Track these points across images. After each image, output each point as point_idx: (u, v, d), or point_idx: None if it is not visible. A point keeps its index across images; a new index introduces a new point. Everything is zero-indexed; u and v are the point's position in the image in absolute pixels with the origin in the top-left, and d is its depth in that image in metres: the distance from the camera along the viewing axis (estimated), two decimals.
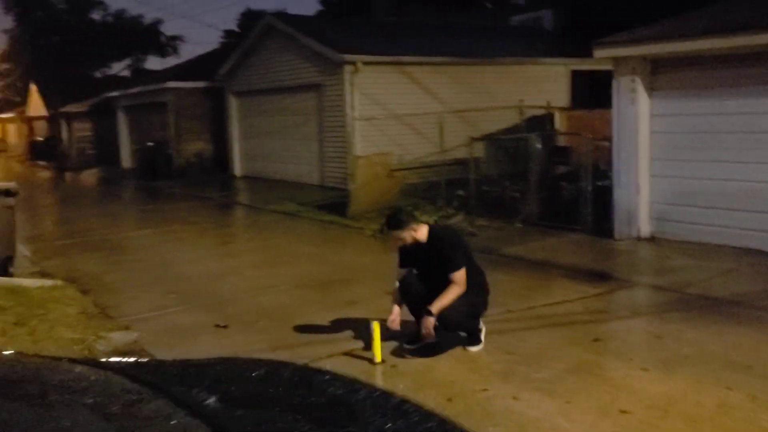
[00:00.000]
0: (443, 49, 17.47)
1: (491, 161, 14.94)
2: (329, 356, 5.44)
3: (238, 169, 21.30)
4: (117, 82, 35.42)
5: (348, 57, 15.43)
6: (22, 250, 10.66)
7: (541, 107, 14.64)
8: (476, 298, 5.46)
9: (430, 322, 5.20)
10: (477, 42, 19.12)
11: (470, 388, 4.77)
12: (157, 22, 49.97)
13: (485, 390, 4.71)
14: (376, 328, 5.25)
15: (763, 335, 5.64)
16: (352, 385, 1.68)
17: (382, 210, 12.13)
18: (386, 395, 1.64)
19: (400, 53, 16.37)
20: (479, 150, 14.70)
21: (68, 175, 28.02)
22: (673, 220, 9.28)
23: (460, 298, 5.29)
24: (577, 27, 24.21)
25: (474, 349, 5.46)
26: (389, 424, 1.43)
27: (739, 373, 4.83)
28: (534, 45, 20.23)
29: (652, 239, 9.40)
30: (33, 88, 43.44)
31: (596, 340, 5.64)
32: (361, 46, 16.21)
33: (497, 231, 10.89)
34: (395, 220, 5.45)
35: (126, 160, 27.83)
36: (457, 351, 5.44)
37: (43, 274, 8.87)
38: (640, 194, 9.39)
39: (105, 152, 30.98)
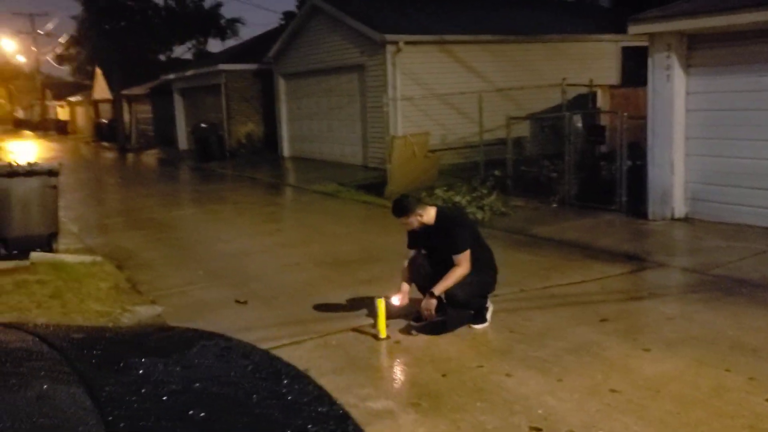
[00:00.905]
0: (489, 26, 17.29)
1: (535, 141, 14.76)
2: (338, 332, 5.60)
3: (286, 150, 21.65)
4: (177, 64, 36.30)
5: (390, 37, 15.45)
6: (72, 227, 11.22)
7: (582, 85, 14.34)
8: (483, 277, 5.51)
9: (432, 303, 5.29)
10: (525, 18, 18.83)
11: (467, 364, 4.84)
12: (218, 5, 50.87)
13: (481, 366, 4.78)
14: (380, 306, 5.37)
15: None
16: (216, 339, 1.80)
17: (419, 190, 12.21)
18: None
19: (444, 32, 16.29)
20: (524, 130, 14.56)
21: (127, 156, 29.02)
22: (708, 200, 9.06)
23: (468, 277, 5.35)
24: (635, 1, 23.56)
25: (479, 326, 5.52)
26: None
27: (745, 355, 4.76)
28: (585, 21, 19.79)
29: (686, 220, 9.20)
30: (98, 71, 44.94)
31: (604, 320, 5.61)
32: (403, 26, 16.21)
33: (531, 211, 10.83)
34: (400, 206, 5.51)
35: (182, 141, 28.58)
36: (463, 329, 5.50)
37: (87, 251, 9.30)
38: (675, 174, 9.19)
39: (163, 133, 31.91)
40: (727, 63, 8.65)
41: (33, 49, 60.62)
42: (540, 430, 3.85)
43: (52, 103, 67.69)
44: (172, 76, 28.08)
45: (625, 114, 10.15)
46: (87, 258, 8.65)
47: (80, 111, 57.25)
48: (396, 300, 5.52)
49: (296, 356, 5.11)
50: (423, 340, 5.36)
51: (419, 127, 15.07)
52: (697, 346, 4.97)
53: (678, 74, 9.00)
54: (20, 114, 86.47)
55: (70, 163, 26.41)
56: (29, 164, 8.47)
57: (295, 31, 19.72)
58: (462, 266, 5.29)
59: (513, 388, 4.39)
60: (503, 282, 6.69)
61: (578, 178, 11.34)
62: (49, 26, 59.73)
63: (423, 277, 5.55)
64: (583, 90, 14.98)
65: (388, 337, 5.39)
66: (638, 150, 10.70)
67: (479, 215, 10.44)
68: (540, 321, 5.64)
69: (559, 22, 18.99)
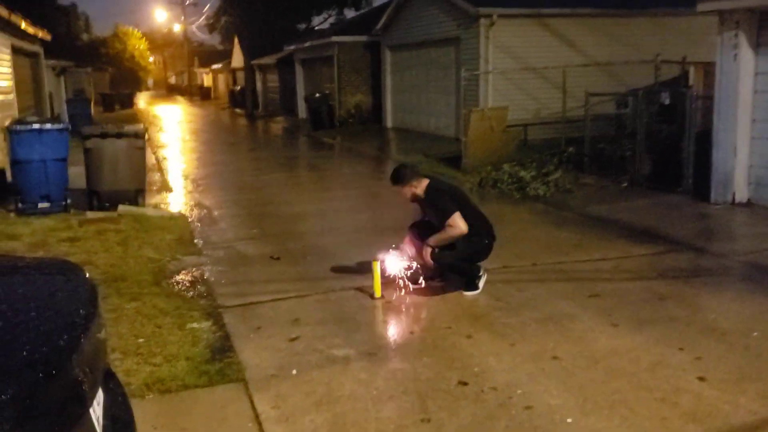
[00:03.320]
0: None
1: (631, 118, 14.37)
2: (341, 290, 6.13)
3: (390, 120, 22.25)
4: (305, 35, 37.72)
5: (483, 10, 15.54)
6: (173, 183, 12.49)
7: (674, 62, 13.76)
8: (474, 245, 5.82)
9: (426, 251, 5.68)
10: None
11: (438, 324, 5.23)
12: None
13: (449, 328, 5.15)
14: (375, 267, 5.84)
15: None
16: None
17: (495, 164, 12.39)
18: None
19: (539, 5, 16.11)
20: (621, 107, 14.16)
21: (250, 122, 30.81)
22: None
23: (459, 244, 5.70)
24: None
25: (468, 293, 5.85)
26: None
27: (708, 337, 4.81)
28: None
29: (747, 204, 8.90)
30: (236, 41, 47.50)
31: (594, 296, 5.76)
32: None
33: (598, 189, 10.78)
34: (395, 175, 5.90)
35: (301, 110, 29.90)
36: (453, 294, 5.87)
37: (173, 206, 10.40)
38: (738, 157, 8.88)
39: (287, 102, 33.52)
40: None
41: (182, 18, 64.74)
42: (466, 384, 4.20)
43: (199, 71, 72.20)
44: (293, 47, 29.35)
45: (695, 93, 9.81)
46: (166, 213, 9.71)
47: (221, 78, 60.77)
48: (394, 256, 5.93)
49: (295, 307, 5.71)
50: (412, 301, 5.78)
51: (511, 101, 15.11)
52: (669, 325, 5.05)
53: (746, 53, 8.64)
54: (173, 80, 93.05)
55: (199, 128, 28.52)
56: (118, 127, 9.58)
57: (399, 3, 20.14)
58: (455, 227, 5.58)
59: (465, 348, 4.75)
60: (520, 255, 7.02)
61: (653, 158, 11.09)
62: None
63: (424, 236, 5.91)
64: (683, 66, 14.34)
65: (382, 296, 5.85)
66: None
67: (541, 191, 10.54)
68: (530, 292, 5.89)
69: None
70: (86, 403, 1.86)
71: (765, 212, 8.47)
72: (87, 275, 2.27)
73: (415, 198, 5.89)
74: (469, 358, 4.58)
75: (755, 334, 4.86)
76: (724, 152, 8.97)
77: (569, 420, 3.73)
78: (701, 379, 4.17)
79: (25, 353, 1.68)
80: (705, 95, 9.96)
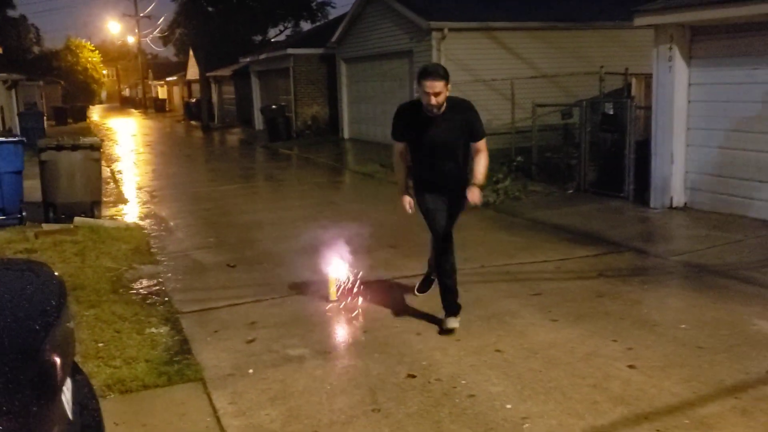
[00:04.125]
0: (538, 12, 17.43)
1: (578, 128, 14.89)
2: (297, 293, 6.36)
3: (346, 132, 22.53)
4: (259, 47, 37.86)
5: (435, 24, 15.95)
6: (129, 195, 12.52)
7: (617, 74, 14.37)
8: None
9: (480, 194, 5.07)
10: (579, 4, 18.78)
11: (389, 324, 5.48)
12: None
13: (399, 326, 5.41)
14: (330, 272, 6.09)
15: (705, 300, 5.82)
16: None
17: None
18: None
19: (490, 18, 16.61)
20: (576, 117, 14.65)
21: (206, 134, 30.74)
22: (706, 190, 9.20)
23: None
24: None
25: (420, 294, 6.12)
26: None
27: (640, 329, 5.17)
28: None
29: (684, 209, 9.38)
30: (191, 53, 47.31)
31: (536, 294, 6.10)
32: (449, 13, 16.64)
33: (544, 197, 11.20)
34: (439, 69, 4.99)
35: (258, 121, 29.99)
36: (408, 295, 6.14)
37: (128, 217, 10.47)
38: (675, 163, 9.37)
39: (244, 113, 33.57)
40: (727, 54, 8.74)
41: (136, 31, 64.13)
42: (414, 376, 4.47)
43: (153, 83, 71.54)
44: (248, 59, 29.46)
45: (636, 103, 10.32)
46: (122, 224, 9.78)
47: (176, 90, 60.44)
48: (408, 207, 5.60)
49: (252, 311, 5.91)
50: (365, 303, 6.02)
51: None
52: (605, 319, 5.40)
53: (680, 65, 9.15)
54: (126, 92, 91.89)
55: (154, 140, 28.36)
56: (74, 139, 9.64)
57: (354, 16, 20.49)
58: (485, 151, 5.17)
59: (414, 344, 5.01)
60: (469, 258, 7.32)
61: (598, 165, 11.57)
62: (149, 9, 63.39)
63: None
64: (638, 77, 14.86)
65: (336, 299, 6.08)
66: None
67: (491, 198, 10.89)
68: (476, 293, 6.18)
69: (619, 8, 18.78)
70: (58, 384, 2.06)
71: (700, 215, 8.96)
72: (55, 272, 2.47)
73: (438, 103, 4.93)
74: (417, 354, 4.84)
75: (683, 326, 5.24)
76: (662, 159, 9.46)
77: (508, 406, 4.01)
78: (631, 366, 4.50)
79: (4, 336, 1.88)
80: (645, 105, 10.46)
